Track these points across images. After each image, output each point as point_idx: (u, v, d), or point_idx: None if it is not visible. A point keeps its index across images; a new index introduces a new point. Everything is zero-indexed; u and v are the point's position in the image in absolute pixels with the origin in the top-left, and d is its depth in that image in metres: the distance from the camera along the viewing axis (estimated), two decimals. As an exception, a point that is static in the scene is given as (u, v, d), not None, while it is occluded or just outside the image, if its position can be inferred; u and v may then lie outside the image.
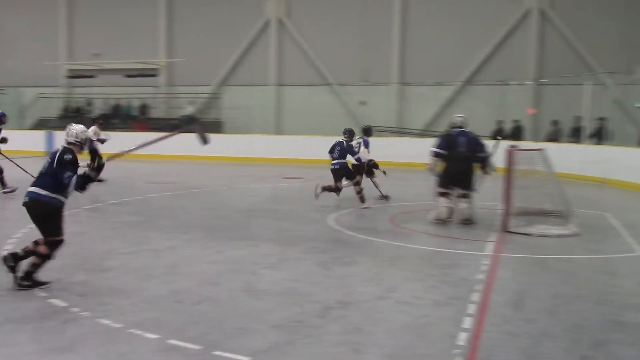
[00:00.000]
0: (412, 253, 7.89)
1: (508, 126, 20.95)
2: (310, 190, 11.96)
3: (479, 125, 21.76)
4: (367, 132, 13.12)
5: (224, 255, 7.52)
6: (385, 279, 6.48)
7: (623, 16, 21.71)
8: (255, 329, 4.93)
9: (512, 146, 10.06)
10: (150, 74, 26.05)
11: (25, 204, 5.93)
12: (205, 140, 7.69)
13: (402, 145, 22.10)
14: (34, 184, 5.94)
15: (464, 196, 9.82)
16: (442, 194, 9.92)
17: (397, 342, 4.74)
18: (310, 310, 5.42)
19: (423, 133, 23.60)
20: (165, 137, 7.81)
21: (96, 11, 28.10)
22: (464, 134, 10.06)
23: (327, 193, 11.70)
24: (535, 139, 21.23)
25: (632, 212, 11.60)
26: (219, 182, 15.23)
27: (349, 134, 12.07)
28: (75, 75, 27.31)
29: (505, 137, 18.41)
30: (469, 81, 23.66)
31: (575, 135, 18.46)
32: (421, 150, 19.91)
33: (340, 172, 11.63)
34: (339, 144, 11.81)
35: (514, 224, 9.31)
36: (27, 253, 5.91)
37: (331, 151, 11.82)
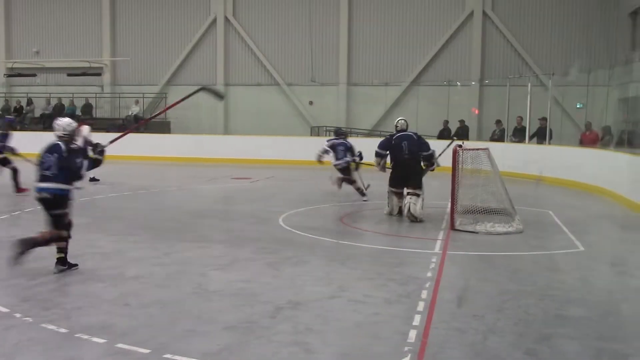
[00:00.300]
0: (362, 252, 7.95)
1: (454, 126, 21.34)
2: (258, 190, 11.91)
3: (426, 125, 22.24)
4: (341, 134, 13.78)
5: (173, 257, 7.42)
6: (335, 278, 6.51)
7: (559, 19, 22.49)
8: (206, 331, 4.88)
9: (458, 145, 10.26)
10: (94, 72, 25.49)
11: (44, 199, 6.50)
12: (220, 95, 8.60)
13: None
14: (50, 180, 6.46)
15: (414, 194, 10.08)
16: (393, 192, 10.42)
17: (348, 341, 4.77)
18: (261, 310, 5.40)
19: (371, 133, 23.85)
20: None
21: (36, 8, 27.33)
22: (407, 137, 10.44)
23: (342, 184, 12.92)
24: (480, 138, 21.72)
25: (572, 209, 11.98)
26: (166, 183, 15.01)
27: (344, 134, 13.53)
28: (14, 73, 26.45)
29: (457, 138, 18.81)
30: (415, 82, 24.03)
31: (518, 134, 18.96)
32: (369, 150, 20.27)
33: (348, 169, 12.77)
34: (341, 144, 12.93)
35: (461, 222, 9.50)
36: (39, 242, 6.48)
37: (333, 150, 12.86)
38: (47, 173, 6.46)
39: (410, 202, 9.99)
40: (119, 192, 13.36)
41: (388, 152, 10.54)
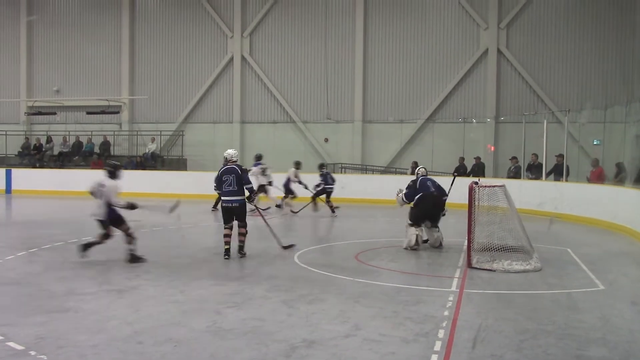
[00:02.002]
0: (377, 290, 7.87)
1: (469, 163, 21.31)
2: (274, 227, 11.88)
3: (442, 162, 22.28)
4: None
5: (188, 295, 7.40)
6: (351, 317, 6.44)
7: (574, 56, 22.56)
8: (220, 370, 4.83)
9: (475, 182, 10.22)
10: (112, 111, 25.90)
11: (232, 208, 9.96)
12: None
13: (366, 181, 22.29)
14: (235, 194, 9.92)
15: (434, 226, 11.16)
16: (412, 225, 11.02)
17: (364, 380, 4.69)
18: (276, 349, 5.35)
19: (386, 170, 23.88)
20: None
21: (57, 48, 28.00)
22: (429, 178, 11.44)
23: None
24: (496, 175, 21.65)
25: (590, 247, 11.83)
26: (183, 220, 15.03)
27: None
28: (35, 112, 26.95)
29: (463, 174, 18.92)
30: (431, 119, 24.10)
31: (534, 171, 18.88)
32: (384, 187, 20.27)
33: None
34: (328, 173, 17.55)
35: (478, 259, 9.41)
36: None
37: (330, 178, 17.28)
38: (227, 189, 9.84)
39: (437, 235, 11.13)
40: (135, 230, 13.37)
41: (418, 195, 11.15)
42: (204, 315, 6.45)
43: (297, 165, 17.73)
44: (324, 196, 17.13)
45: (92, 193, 9.44)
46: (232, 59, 26.27)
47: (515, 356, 5.27)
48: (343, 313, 6.61)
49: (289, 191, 17.39)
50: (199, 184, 22.43)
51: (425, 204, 11.01)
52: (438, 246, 11.09)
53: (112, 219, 9.42)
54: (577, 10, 22.64)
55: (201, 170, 24.62)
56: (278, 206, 17.49)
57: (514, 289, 7.99)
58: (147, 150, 25.64)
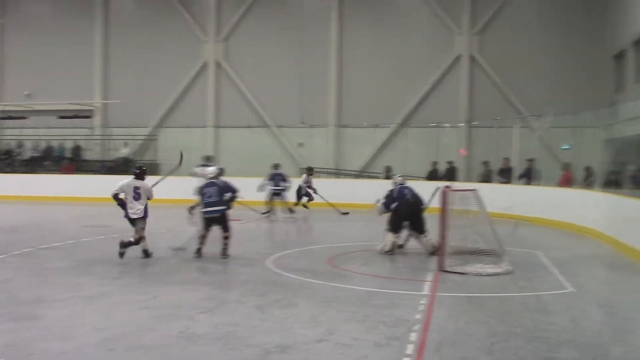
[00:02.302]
0: (350, 294, 7.90)
1: (442, 167, 21.49)
2: (248, 232, 11.88)
3: (415, 166, 22.41)
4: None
5: (160, 300, 7.34)
6: (323, 321, 6.46)
7: (546, 62, 22.87)
8: (192, 376, 4.81)
9: (447, 186, 10.33)
10: (84, 115, 25.60)
11: (215, 218, 10.45)
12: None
13: (340, 186, 22.33)
14: (216, 205, 10.47)
15: (420, 232, 11.13)
16: (390, 231, 11.04)
17: (336, 384, 4.71)
18: (249, 354, 5.34)
19: (360, 174, 23.96)
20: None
21: (28, 51, 27.54)
22: (407, 187, 11.54)
23: None
24: (468, 179, 21.85)
25: (560, 250, 12.00)
26: (156, 225, 14.86)
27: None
28: (5, 116, 26.48)
29: (439, 178, 19.10)
30: (404, 123, 24.27)
31: (505, 175, 19.11)
32: (359, 191, 20.33)
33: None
34: (279, 174, 17.35)
35: (450, 263, 9.49)
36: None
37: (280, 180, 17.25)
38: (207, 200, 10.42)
39: (426, 240, 11.00)
40: (106, 235, 13.25)
41: (395, 204, 11.23)
42: (176, 321, 6.40)
43: (309, 171, 18.41)
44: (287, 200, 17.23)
45: (118, 197, 10.17)
46: (206, 63, 26.16)
47: (486, 359, 5.33)
48: (316, 317, 6.62)
49: (300, 196, 17.99)
50: (172, 188, 22.26)
51: (403, 211, 11.10)
52: (433, 252, 10.64)
53: (144, 217, 10.25)
54: (548, 17, 22.99)
55: (175, 175, 24.39)
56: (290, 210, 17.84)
57: (486, 292, 8.08)
58: (119, 155, 25.37)
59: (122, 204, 10.16)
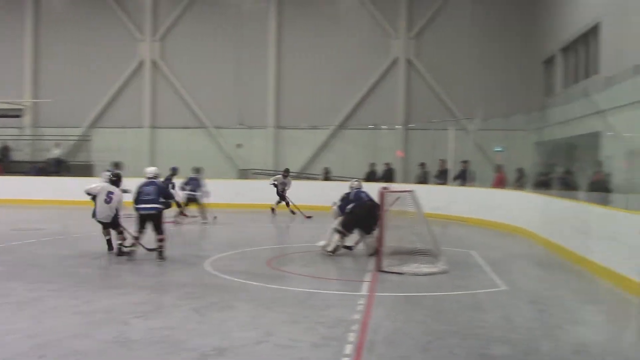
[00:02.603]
0: (288, 295, 7.89)
1: (380, 168, 21.75)
2: (185, 234, 11.71)
3: (353, 167, 22.59)
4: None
5: (94, 305, 7.14)
6: (262, 323, 6.42)
7: (479, 67, 23.51)
8: (127, 382, 4.70)
9: (384, 188, 10.45)
10: (13, 114, 24.63)
11: (150, 215, 10.14)
12: None
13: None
14: (153, 202, 10.19)
15: (368, 233, 10.96)
16: (339, 232, 10.88)
17: (275, 386, 4.68)
18: (186, 358, 5.26)
19: (299, 175, 23.97)
20: None
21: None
22: (363, 192, 11.50)
23: None
24: (406, 180, 22.19)
25: (494, 249, 12.34)
26: (89, 228, 14.46)
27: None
28: None
29: (376, 180, 19.32)
30: (343, 125, 24.45)
31: (442, 177, 19.52)
32: (298, 193, 20.35)
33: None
34: (195, 178, 16.50)
35: (387, 263, 9.61)
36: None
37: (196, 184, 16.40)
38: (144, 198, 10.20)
39: (371, 241, 10.79)
40: (37, 238, 12.81)
41: (351, 205, 11.11)
42: (111, 326, 6.24)
43: (285, 172, 18.57)
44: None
45: (92, 194, 10.65)
46: (142, 62, 25.66)
47: (422, 357, 5.42)
48: (254, 319, 6.58)
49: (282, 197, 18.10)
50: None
51: (360, 213, 10.94)
52: (373, 253, 10.61)
53: (114, 222, 10.57)
54: (482, 23, 23.60)
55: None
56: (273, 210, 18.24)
57: (422, 292, 8.22)
58: (51, 156, 24.54)
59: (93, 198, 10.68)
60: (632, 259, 8.19)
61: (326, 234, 11.15)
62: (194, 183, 16.48)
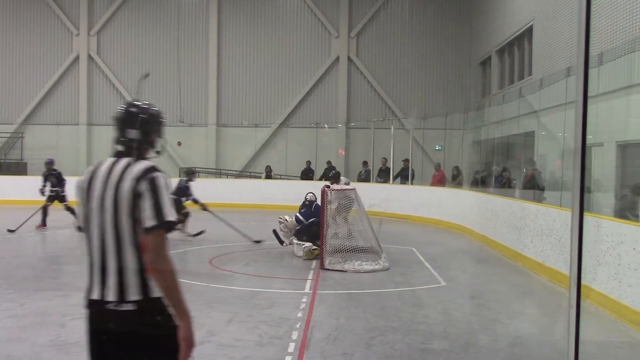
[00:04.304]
0: (232, 294, 7.84)
1: (321, 167, 21.84)
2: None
3: (294, 166, 22.64)
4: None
5: (29, 308, 6.92)
6: (205, 323, 6.36)
7: (418, 67, 23.96)
8: (65, 386, 4.57)
9: (326, 186, 10.51)
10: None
11: None
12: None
13: (220, 185, 22.09)
14: None
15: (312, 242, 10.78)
16: (309, 240, 10.78)
17: (218, 386, 4.65)
18: (127, 360, 5.15)
19: (240, 174, 23.85)
20: None
21: None
22: (318, 206, 10.97)
23: None
24: (347, 179, 22.35)
25: (433, 246, 12.59)
26: (23, 228, 14.00)
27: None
28: None
29: (312, 178, 19.37)
30: (285, 124, 24.44)
31: (383, 175, 19.77)
32: (239, 191, 20.25)
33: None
34: (52, 173, 14.94)
35: (330, 261, 9.67)
36: None
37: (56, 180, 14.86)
38: None
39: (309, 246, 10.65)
40: (-33, 239, 12.31)
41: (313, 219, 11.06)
42: (47, 329, 6.06)
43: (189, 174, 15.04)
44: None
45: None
46: (77, 57, 24.96)
47: (365, 353, 5.48)
48: (197, 319, 6.43)
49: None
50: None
51: (315, 229, 10.69)
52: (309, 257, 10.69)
53: None
54: (419, 23, 24.02)
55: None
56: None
57: (364, 289, 8.31)
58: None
59: None
60: (564, 254, 8.51)
61: (296, 249, 10.97)
62: (52, 178, 15.01)
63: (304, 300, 7.44)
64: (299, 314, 6.75)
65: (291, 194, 20.04)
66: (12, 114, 24.86)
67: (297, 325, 6.28)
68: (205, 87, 24.62)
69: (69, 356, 5.30)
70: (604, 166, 11.26)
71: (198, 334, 5.83)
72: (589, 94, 4.02)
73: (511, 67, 19.75)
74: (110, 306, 2.74)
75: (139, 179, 2.68)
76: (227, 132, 24.70)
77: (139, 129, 2.87)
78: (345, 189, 11.03)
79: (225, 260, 10.34)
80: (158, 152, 3.09)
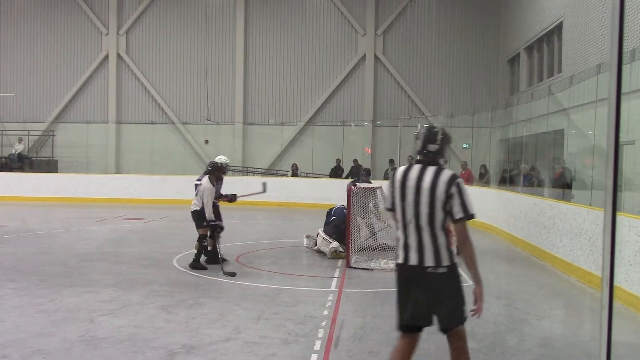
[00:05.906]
0: (258, 292, 7.87)
1: (348, 164, 21.81)
2: (152, 231, 11.56)
3: (321, 163, 22.63)
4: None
5: (59, 304, 7.02)
6: (231, 320, 6.39)
7: (445, 65, 23.79)
8: (94, 381, 4.63)
9: (353, 184, 10.48)
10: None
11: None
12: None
13: (247, 184, 22.15)
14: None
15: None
16: (337, 239, 10.63)
17: (244, 383, 4.67)
18: (154, 357, 5.20)
19: (267, 171, 23.94)
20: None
21: None
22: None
23: None
24: (374, 177, 22.31)
25: (461, 245, 12.46)
26: (53, 225, 14.25)
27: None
28: None
29: (340, 176, 19.31)
30: (311, 122, 24.46)
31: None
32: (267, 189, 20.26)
33: None
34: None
35: (356, 259, 9.65)
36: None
37: None
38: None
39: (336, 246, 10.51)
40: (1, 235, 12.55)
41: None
42: (76, 324, 6.15)
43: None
44: None
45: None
46: (107, 56, 25.29)
47: (391, 352, 5.44)
48: (223, 317, 6.54)
49: None
50: (70, 186, 21.40)
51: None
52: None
53: (197, 217, 9.74)
54: (446, 20, 23.86)
55: (73, 172, 23.50)
56: None
57: (390, 287, 8.23)
58: (13, 151, 24.06)
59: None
60: (594, 254, 8.37)
61: (321, 243, 10.87)
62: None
63: (330, 298, 7.43)
64: (325, 312, 6.75)
65: (317, 191, 20.07)
66: (44, 113, 25.29)
67: (323, 323, 6.28)
68: (232, 85, 24.76)
69: (97, 351, 5.36)
70: (636, 164, 11.06)
71: (224, 332, 5.90)
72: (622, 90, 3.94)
73: (540, 64, 19.50)
74: (430, 270, 4.01)
75: (449, 184, 3.93)
76: (253, 130, 24.81)
77: (438, 145, 4.03)
78: (372, 187, 10.98)
79: (252, 258, 10.38)
80: (446, 162, 4.12)
